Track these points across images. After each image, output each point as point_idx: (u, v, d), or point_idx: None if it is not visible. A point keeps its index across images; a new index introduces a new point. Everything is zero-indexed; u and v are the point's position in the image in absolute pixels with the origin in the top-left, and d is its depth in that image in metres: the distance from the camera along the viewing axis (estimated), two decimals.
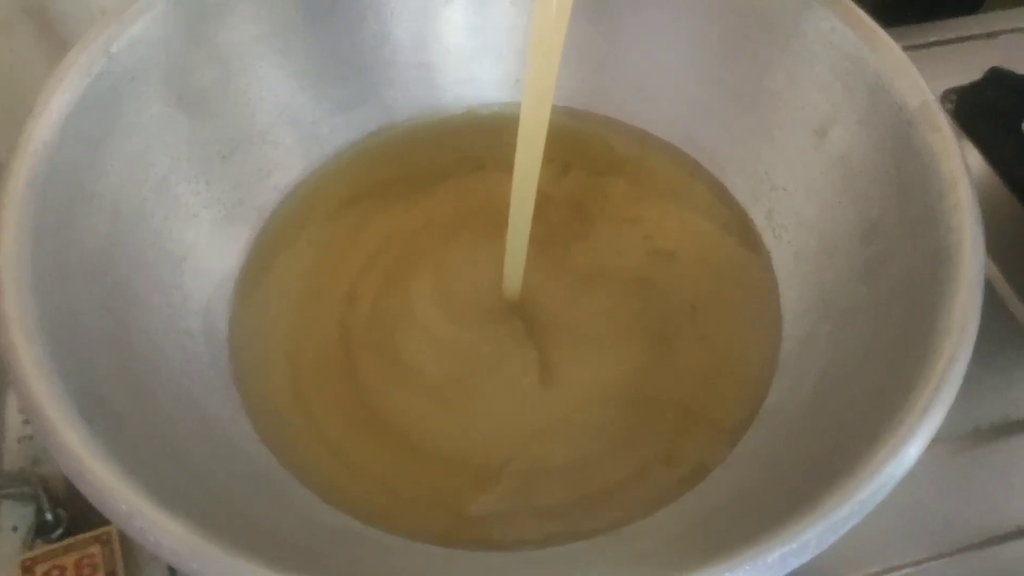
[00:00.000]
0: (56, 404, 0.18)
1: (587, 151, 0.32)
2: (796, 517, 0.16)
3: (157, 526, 0.17)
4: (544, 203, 0.29)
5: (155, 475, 0.18)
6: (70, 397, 0.18)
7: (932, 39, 0.43)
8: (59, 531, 0.28)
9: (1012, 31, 0.44)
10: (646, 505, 0.23)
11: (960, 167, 0.22)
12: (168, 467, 0.20)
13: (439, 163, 0.32)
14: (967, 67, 0.40)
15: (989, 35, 0.44)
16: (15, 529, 0.28)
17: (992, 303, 0.32)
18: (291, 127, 0.30)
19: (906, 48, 0.25)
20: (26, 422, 0.30)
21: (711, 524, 0.21)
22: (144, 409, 0.21)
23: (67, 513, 0.28)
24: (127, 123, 0.25)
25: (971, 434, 0.30)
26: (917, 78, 0.25)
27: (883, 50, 0.25)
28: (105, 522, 0.27)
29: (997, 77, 0.39)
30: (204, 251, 0.27)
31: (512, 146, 0.23)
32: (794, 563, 0.16)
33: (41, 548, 0.27)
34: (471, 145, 0.32)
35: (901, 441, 0.18)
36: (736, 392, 0.25)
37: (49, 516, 0.28)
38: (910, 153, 0.24)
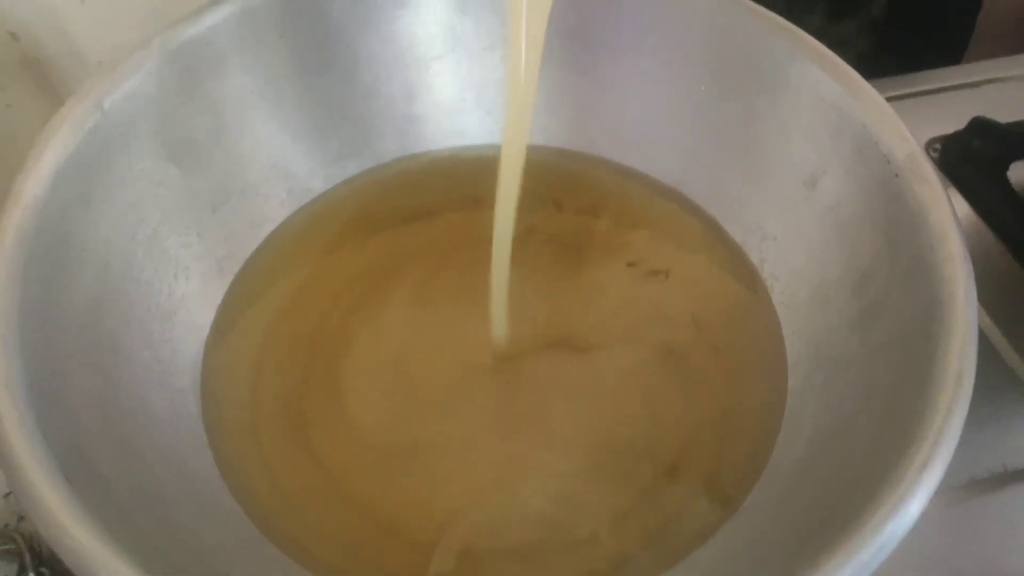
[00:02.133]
0: (38, 464, 0.17)
1: (579, 189, 0.32)
2: None
3: None
4: (539, 238, 0.30)
5: (140, 540, 0.17)
6: (53, 457, 0.18)
7: (915, 89, 0.44)
8: None
9: (994, 81, 0.44)
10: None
11: (950, 218, 0.23)
12: (153, 530, 0.19)
13: (433, 200, 0.32)
14: (950, 117, 0.41)
15: (971, 85, 0.44)
16: None
17: (985, 351, 0.32)
18: (283, 179, 0.30)
19: (889, 98, 0.25)
20: None
21: None
22: (130, 469, 0.21)
23: (51, 572, 0.28)
24: (118, 177, 0.25)
25: (967, 485, 0.29)
26: (903, 130, 0.25)
27: (868, 102, 0.26)
28: None
29: (980, 126, 0.40)
30: (194, 304, 0.27)
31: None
32: None
33: None
34: (466, 183, 0.32)
35: (901, 498, 0.17)
36: (737, 449, 0.25)
37: (32, 575, 0.27)
38: (899, 205, 0.24)
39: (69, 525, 0.17)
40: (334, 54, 0.30)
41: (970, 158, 0.39)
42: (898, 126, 0.25)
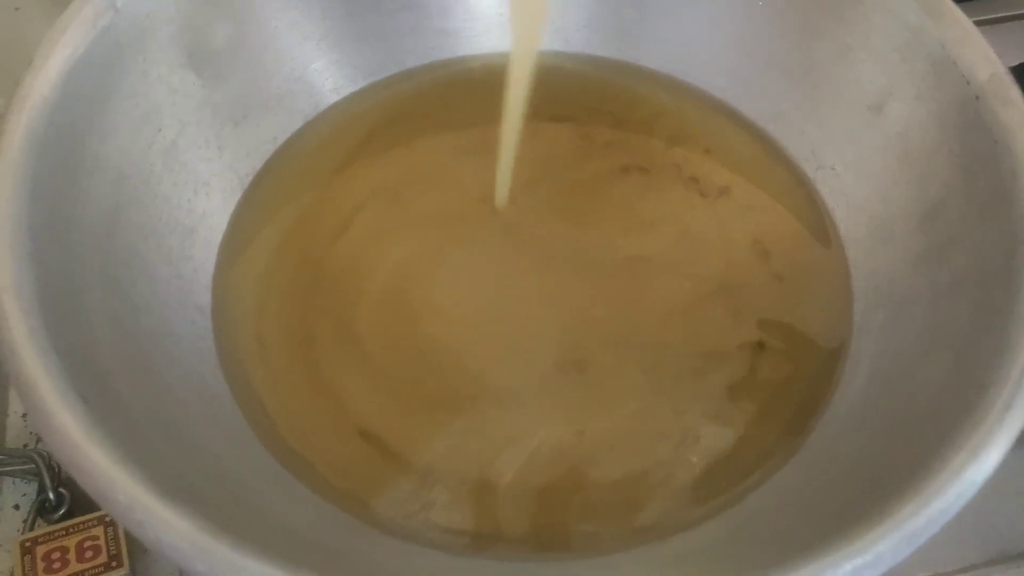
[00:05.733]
0: (50, 381, 0.16)
1: (635, 101, 0.30)
2: (868, 526, 0.15)
3: (159, 519, 0.15)
4: (595, 151, 0.28)
5: (158, 462, 0.16)
6: (66, 374, 0.17)
7: (981, 17, 0.41)
8: (61, 511, 0.27)
9: None
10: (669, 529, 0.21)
11: None
12: (173, 453, 0.18)
13: (459, 115, 0.30)
14: (1018, 46, 0.38)
15: None
16: (16, 507, 0.27)
17: None
18: (307, 94, 0.28)
19: None
20: None
21: (764, 530, 0.19)
22: (148, 389, 0.20)
23: (70, 493, 0.27)
24: (134, 82, 0.23)
25: None
26: (986, 49, 0.23)
27: (948, 19, 0.24)
28: None
29: None
30: (215, 220, 0.26)
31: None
32: None
33: (42, 528, 0.26)
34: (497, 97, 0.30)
35: (981, 443, 0.16)
36: (802, 378, 0.24)
37: (51, 495, 0.27)
38: (978, 130, 0.22)
39: (83, 445, 0.16)
40: None
41: None
42: (980, 45, 0.23)
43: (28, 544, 0.26)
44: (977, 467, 0.16)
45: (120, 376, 0.19)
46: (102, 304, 0.20)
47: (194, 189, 0.25)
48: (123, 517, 0.15)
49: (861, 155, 0.26)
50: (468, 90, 0.30)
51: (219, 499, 0.18)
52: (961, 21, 0.23)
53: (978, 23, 0.38)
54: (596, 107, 0.29)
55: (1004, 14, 0.42)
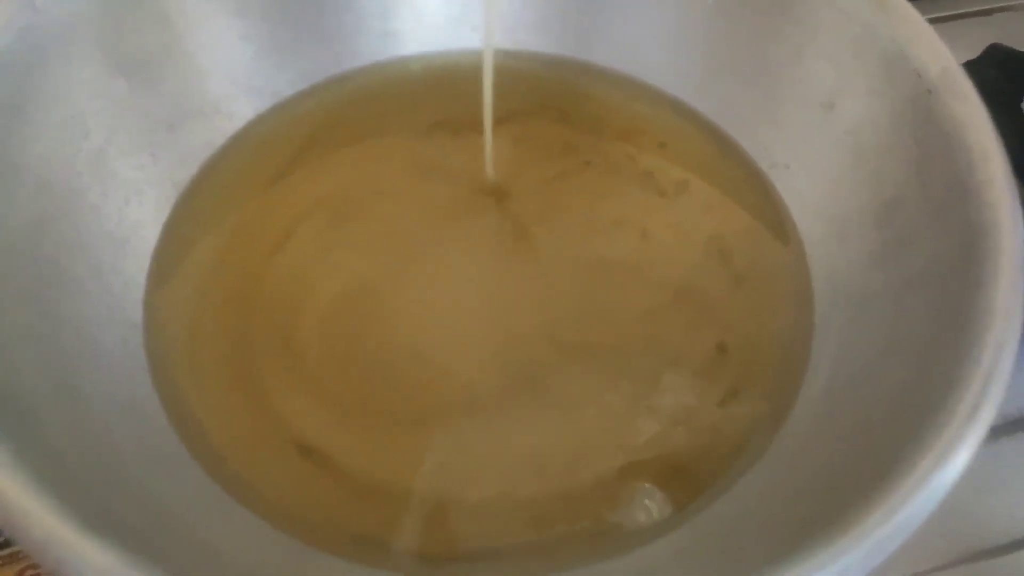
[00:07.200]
0: None
1: (584, 99, 0.29)
2: (833, 537, 0.14)
3: (78, 555, 0.14)
4: (547, 150, 0.28)
5: (81, 492, 0.15)
6: None
7: (926, 16, 0.42)
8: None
9: (1009, 8, 0.42)
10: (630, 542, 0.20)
11: (991, 137, 0.21)
12: (97, 481, 0.17)
13: (403, 121, 0.29)
14: (963, 45, 0.38)
15: (984, 12, 0.42)
16: None
17: None
18: (246, 97, 0.27)
19: None
20: None
21: (727, 543, 0.19)
22: (71, 412, 0.18)
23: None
24: (55, 87, 0.22)
25: (1000, 427, 0.28)
26: (937, 43, 0.23)
27: (897, 14, 0.23)
28: None
29: (996, 54, 0.37)
30: (149, 231, 0.24)
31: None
32: None
33: None
34: (442, 102, 0.29)
35: (949, 445, 0.15)
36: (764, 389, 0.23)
37: None
38: (931, 124, 0.22)
39: None
40: None
41: (984, 88, 0.37)
42: (931, 39, 0.23)
43: None
44: (945, 471, 0.15)
45: (39, 399, 0.18)
46: (21, 324, 0.19)
47: (125, 198, 0.24)
48: (39, 554, 0.14)
49: (815, 152, 0.26)
50: (410, 92, 0.29)
51: (149, 528, 0.17)
52: (911, 17, 0.23)
53: (930, 20, 0.39)
54: (545, 104, 0.28)
55: (955, 12, 0.43)
